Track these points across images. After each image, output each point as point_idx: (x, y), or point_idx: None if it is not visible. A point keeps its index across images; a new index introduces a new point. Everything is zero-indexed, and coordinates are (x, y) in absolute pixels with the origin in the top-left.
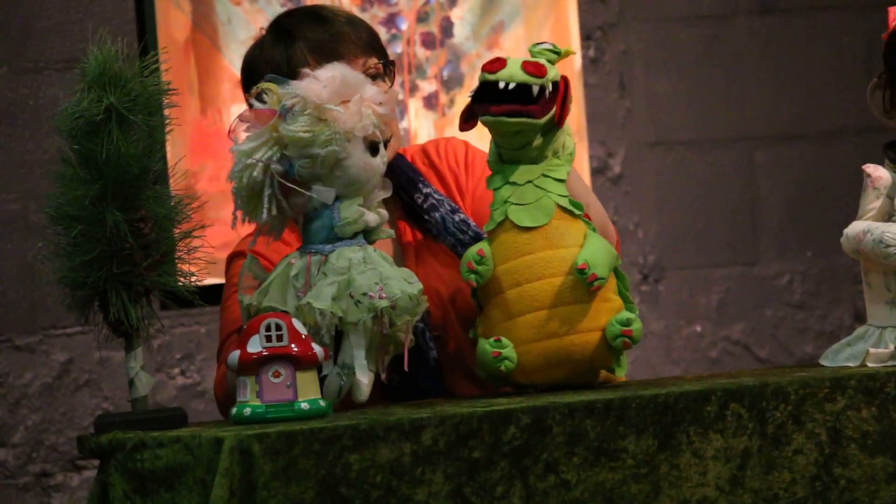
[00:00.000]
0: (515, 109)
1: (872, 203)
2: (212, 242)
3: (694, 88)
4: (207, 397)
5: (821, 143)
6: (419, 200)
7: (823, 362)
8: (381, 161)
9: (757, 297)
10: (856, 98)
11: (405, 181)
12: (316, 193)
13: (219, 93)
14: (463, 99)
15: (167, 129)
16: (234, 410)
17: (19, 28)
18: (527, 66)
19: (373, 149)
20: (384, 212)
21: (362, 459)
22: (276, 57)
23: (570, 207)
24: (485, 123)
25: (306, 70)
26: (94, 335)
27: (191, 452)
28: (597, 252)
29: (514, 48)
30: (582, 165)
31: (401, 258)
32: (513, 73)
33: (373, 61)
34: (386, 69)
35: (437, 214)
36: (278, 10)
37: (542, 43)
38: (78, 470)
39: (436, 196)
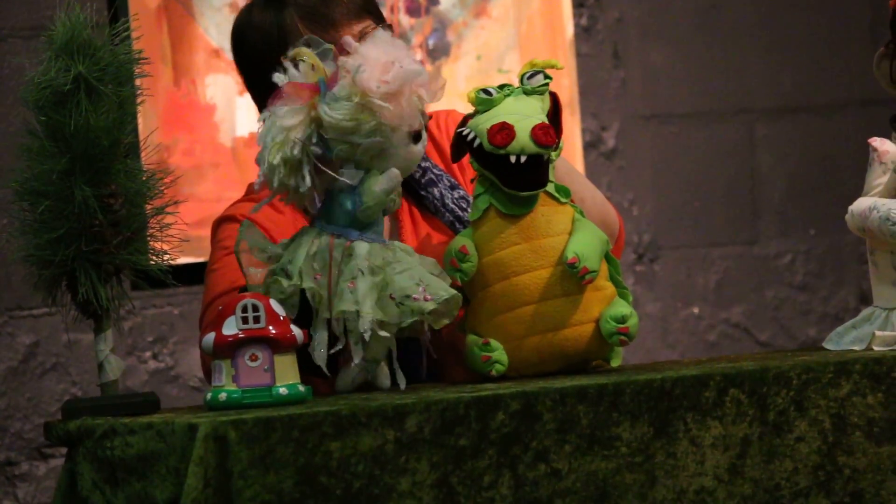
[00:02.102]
0: (530, 183)
1: (879, 178)
2: (185, 219)
3: (691, 58)
4: (180, 382)
5: (824, 115)
6: (416, 175)
7: (827, 346)
8: (421, 147)
9: (757, 277)
10: (861, 68)
11: None
12: (347, 175)
13: (193, 62)
14: (449, 69)
15: (138, 100)
16: (208, 395)
17: None
18: (537, 135)
19: (416, 137)
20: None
21: (343, 447)
22: (265, 22)
23: (556, 194)
24: (486, 179)
25: (349, 40)
26: (62, 316)
27: (163, 440)
28: (586, 242)
29: (503, 16)
30: (574, 139)
31: (396, 233)
32: (524, 146)
33: (369, 25)
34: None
35: (435, 190)
36: None
37: (533, 75)
38: (44, 458)
39: (434, 171)
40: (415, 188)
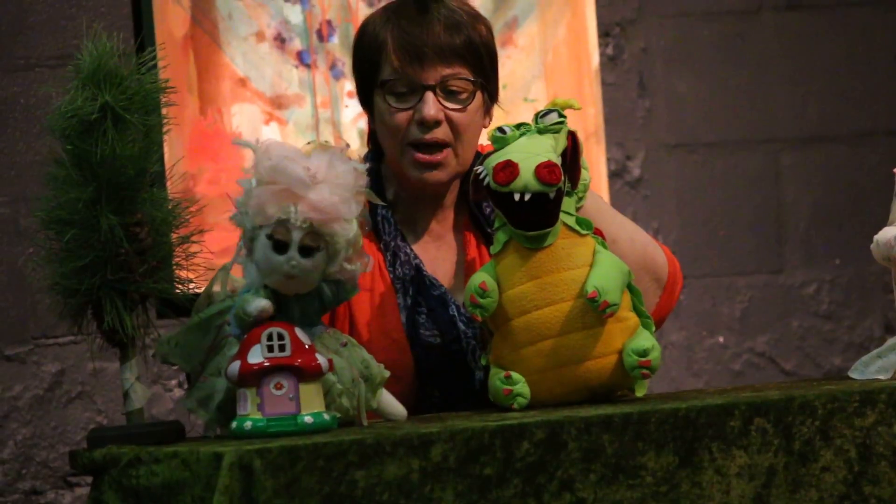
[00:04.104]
0: (536, 222)
1: None
2: (211, 248)
3: (717, 88)
4: None
5: (849, 144)
6: (487, 211)
7: (852, 375)
8: (287, 263)
9: (782, 306)
10: (886, 98)
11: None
12: (246, 270)
13: (219, 91)
14: None
15: (165, 129)
16: (234, 424)
17: (10, 23)
18: (540, 174)
19: (277, 246)
20: (355, 268)
21: (368, 476)
22: (375, 34)
23: (576, 226)
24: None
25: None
26: (88, 345)
27: (189, 468)
28: (607, 275)
29: (529, 45)
30: (599, 168)
31: (462, 270)
32: (527, 184)
33: (458, 73)
34: (475, 86)
35: None
36: (281, 5)
37: (547, 113)
38: (70, 487)
39: None
40: (483, 226)
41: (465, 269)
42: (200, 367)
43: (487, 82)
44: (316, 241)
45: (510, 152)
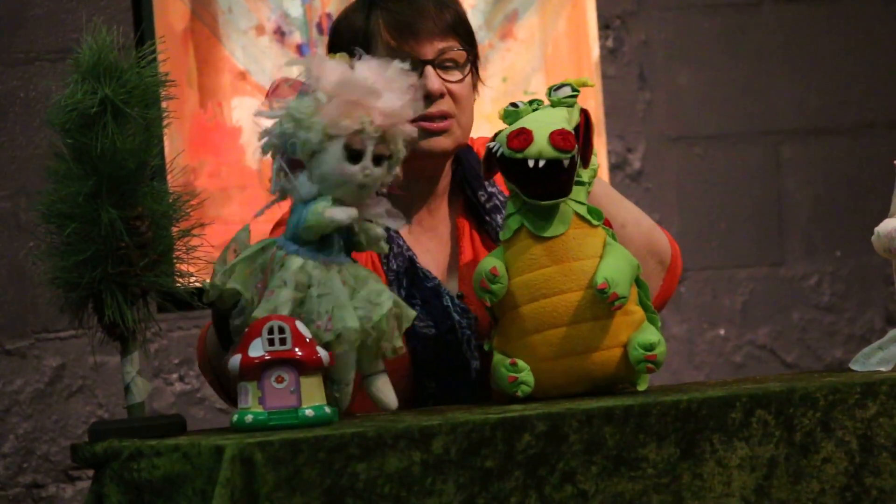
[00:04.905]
0: (550, 191)
1: None
2: (211, 241)
3: (717, 80)
4: (207, 404)
5: (850, 136)
6: (482, 199)
7: (853, 367)
8: (361, 172)
9: (783, 298)
10: (887, 89)
11: (471, 176)
12: (299, 184)
13: (219, 85)
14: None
15: (165, 122)
16: (234, 417)
17: (9, 17)
18: (555, 140)
19: (352, 156)
20: (381, 231)
21: (370, 469)
22: (356, 23)
23: (587, 216)
24: (516, 195)
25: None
26: (89, 339)
27: (190, 461)
28: (617, 267)
29: (529, 38)
30: (600, 161)
31: (455, 260)
32: (542, 150)
33: (453, 46)
34: (468, 58)
35: (498, 217)
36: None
37: (560, 87)
38: (71, 480)
39: (500, 198)
40: (479, 213)
41: (458, 258)
42: (258, 289)
43: (476, 56)
44: (387, 148)
45: (524, 122)
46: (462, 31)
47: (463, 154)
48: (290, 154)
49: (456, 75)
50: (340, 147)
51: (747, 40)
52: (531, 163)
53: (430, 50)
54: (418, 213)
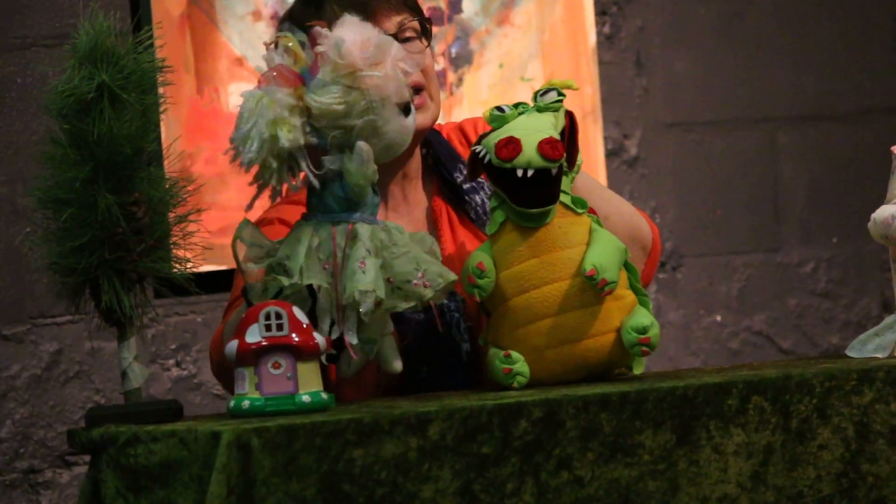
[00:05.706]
0: (538, 199)
1: None
2: (208, 227)
3: (714, 66)
4: (203, 390)
5: (847, 123)
6: (459, 180)
7: (850, 353)
8: (412, 119)
9: (780, 285)
10: (884, 76)
11: (445, 157)
12: (328, 162)
13: (216, 70)
14: (472, 78)
15: (162, 108)
16: (231, 403)
17: (6, 2)
18: (543, 149)
19: (406, 110)
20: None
21: (366, 455)
22: (306, 19)
23: (572, 205)
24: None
25: (319, 29)
26: (85, 324)
27: (186, 447)
28: (604, 253)
29: (526, 24)
30: (596, 148)
31: (435, 239)
32: (530, 160)
33: (406, 18)
34: (423, 28)
35: (476, 197)
36: None
37: (546, 92)
38: (68, 466)
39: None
40: (458, 194)
41: (437, 240)
42: (326, 270)
43: (431, 24)
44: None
45: (511, 129)
46: (412, 3)
47: (432, 137)
48: (322, 145)
49: (418, 45)
50: (395, 109)
51: (744, 26)
52: (520, 172)
53: (390, 24)
54: (393, 197)
